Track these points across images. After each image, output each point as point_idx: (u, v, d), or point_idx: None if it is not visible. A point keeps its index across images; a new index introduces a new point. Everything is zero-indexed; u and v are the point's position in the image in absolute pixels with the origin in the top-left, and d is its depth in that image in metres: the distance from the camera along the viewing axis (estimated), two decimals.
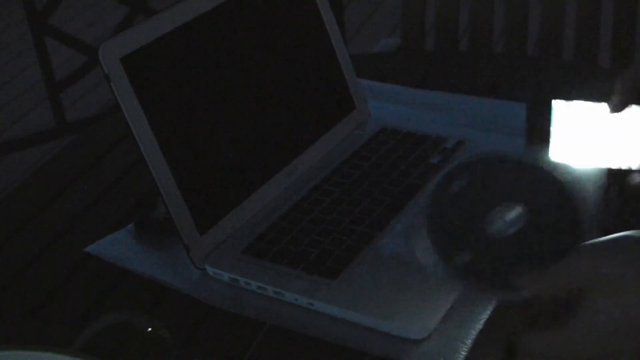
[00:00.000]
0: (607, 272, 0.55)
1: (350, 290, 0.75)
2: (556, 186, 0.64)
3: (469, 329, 0.71)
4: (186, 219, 0.80)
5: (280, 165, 0.90)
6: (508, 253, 0.61)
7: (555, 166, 0.66)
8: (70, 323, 0.77)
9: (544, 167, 0.66)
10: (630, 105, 0.79)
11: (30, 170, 2.60)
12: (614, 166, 0.79)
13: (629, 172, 0.79)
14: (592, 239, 0.57)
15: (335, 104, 1.00)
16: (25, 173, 2.58)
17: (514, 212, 0.62)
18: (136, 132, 0.77)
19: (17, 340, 0.76)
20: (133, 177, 1.01)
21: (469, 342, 0.70)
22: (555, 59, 1.41)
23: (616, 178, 0.81)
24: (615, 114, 0.79)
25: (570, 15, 1.44)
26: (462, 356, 0.69)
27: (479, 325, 0.71)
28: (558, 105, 0.84)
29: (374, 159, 0.95)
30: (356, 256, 0.79)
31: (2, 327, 0.78)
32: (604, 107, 0.82)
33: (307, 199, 0.88)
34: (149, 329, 0.66)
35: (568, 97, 0.86)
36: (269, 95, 0.90)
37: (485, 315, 0.72)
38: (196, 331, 0.75)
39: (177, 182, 0.79)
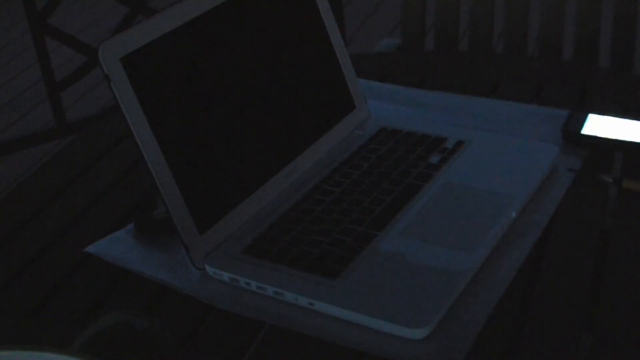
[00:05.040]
0: None
1: (350, 290, 0.75)
2: None
3: (469, 328, 0.71)
4: (186, 219, 0.80)
5: (280, 165, 0.90)
6: None
7: None
8: (70, 323, 0.77)
9: None
10: None
11: (30, 170, 2.60)
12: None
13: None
14: None
15: (335, 104, 1.00)
16: (25, 173, 2.58)
17: None
18: (136, 132, 0.77)
19: (17, 340, 0.76)
20: (133, 177, 1.01)
21: (469, 341, 0.70)
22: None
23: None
24: None
25: (570, 15, 1.44)
26: (462, 356, 0.69)
27: (479, 325, 0.71)
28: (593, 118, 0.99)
29: (374, 159, 0.95)
30: (356, 256, 0.79)
31: (2, 327, 0.78)
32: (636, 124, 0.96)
33: (307, 199, 0.88)
34: (149, 329, 0.66)
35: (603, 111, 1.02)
36: (268, 95, 0.91)
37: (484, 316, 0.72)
38: (196, 331, 0.75)
39: (177, 182, 0.79)
